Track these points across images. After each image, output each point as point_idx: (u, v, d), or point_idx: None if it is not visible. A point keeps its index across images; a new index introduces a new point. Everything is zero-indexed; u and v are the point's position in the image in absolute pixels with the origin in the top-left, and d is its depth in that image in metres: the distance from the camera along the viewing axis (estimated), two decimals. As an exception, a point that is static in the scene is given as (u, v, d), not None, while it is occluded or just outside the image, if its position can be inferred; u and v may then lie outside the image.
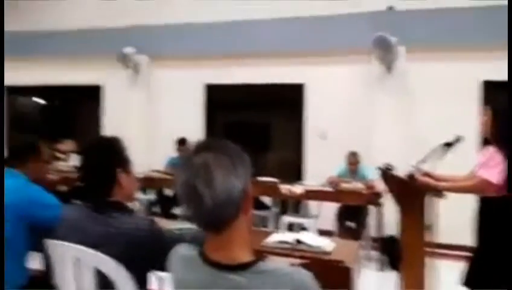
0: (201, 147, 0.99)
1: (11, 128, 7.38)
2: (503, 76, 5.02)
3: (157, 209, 5.47)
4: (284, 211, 4.78)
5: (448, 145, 3.13)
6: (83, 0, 6.87)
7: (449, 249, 3.74)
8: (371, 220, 4.42)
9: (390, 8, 5.52)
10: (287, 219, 4.50)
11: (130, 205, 1.66)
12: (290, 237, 2.28)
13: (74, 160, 5.21)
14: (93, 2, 6.80)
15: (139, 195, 5.35)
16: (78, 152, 5.66)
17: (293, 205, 4.79)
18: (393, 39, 5.08)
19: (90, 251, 1.48)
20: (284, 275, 0.94)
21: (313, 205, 4.77)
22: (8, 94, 7.54)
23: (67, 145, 5.89)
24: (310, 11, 5.73)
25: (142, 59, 6.52)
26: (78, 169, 1.61)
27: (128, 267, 1.42)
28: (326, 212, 4.63)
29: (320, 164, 5.34)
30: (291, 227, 4.48)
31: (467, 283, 2.69)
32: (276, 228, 4.47)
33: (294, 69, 5.98)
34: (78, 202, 1.64)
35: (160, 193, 5.39)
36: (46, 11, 7.05)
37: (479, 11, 5.12)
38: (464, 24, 5.23)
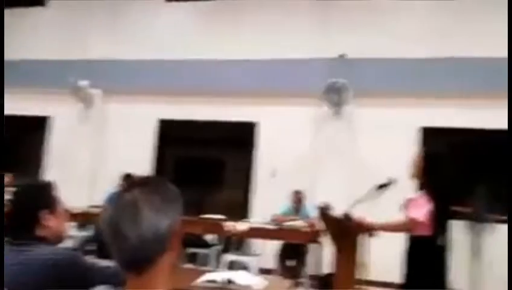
0: (132, 184, 0.99)
1: None
2: (440, 123, 5.50)
3: (94, 247, 5.23)
4: (227, 249, 4.75)
5: (382, 186, 3.31)
6: (40, 32, 6.82)
7: (380, 286, 3.86)
8: (311, 258, 4.48)
9: (342, 56, 5.88)
10: (229, 257, 4.46)
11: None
12: (220, 276, 2.29)
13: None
14: (51, 33, 6.76)
15: (74, 232, 5.13)
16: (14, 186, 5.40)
17: (236, 243, 4.78)
18: (343, 85, 5.39)
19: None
20: None
21: (257, 243, 4.78)
22: None
23: (5, 178, 5.60)
24: (265, 53, 6.01)
25: (96, 93, 6.48)
26: (10, 206, 1.73)
27: None
28: (270, 251, 4.65)
29: (268, 202, 5.41)
30: (232, 265, 4.44)
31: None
32: (217, 266, 4.42)
33: (248, 108, 6.16)
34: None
35: (99, 230, 5.16)
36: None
37: (423, 61, 5.59)
38: (409, 73, 5.66)
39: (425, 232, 2.85)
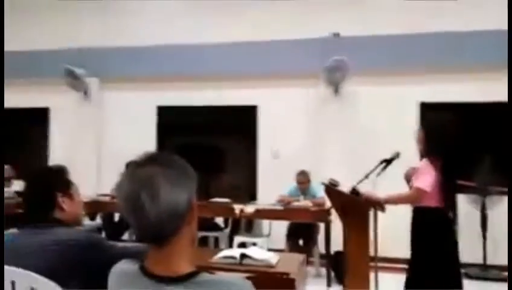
0: (146, 160, 0.98)
1: None
2: (437, 98, 5.53)
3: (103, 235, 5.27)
4: (236, 232, 4.79)
5: (388, 161, 3.31)
6: (33, 22, 6.73)
7: (390, 263, 3.89)
8: (321, 237, 4.51)
9: (336, 35, 5.83)
10: (239, 238, 4.51)
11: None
12: (235, 252, 2.32)
13: (17, 186, 4.96)
14: (45, 23, 6.68)
15: (86, 221, 5.17)
16: (20, 177, 5.39)
17: (245, 225, 4.82)
18: (342, 63, 5.37)
19: (22, 271, 1.45)
20: (223, 284, 0.95)
21: (265, 224, 4.81)
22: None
23: (5, 171, 5.57)
24: (261, 35, 5.95)
25: (93, 81, 6.43)
26: (20, 196, 1.70)
27: (67, 277, 1.43)
28: (278, 232, 4.69)
29: (273, 184, 5.41)
30: (242, 247, 4.49)
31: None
32: (229, 248, 4.46)
33: (248, 92, 6.13)
34: (15, 230, 1.67)
35: (107, 218, 5.19)
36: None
37: (415, 38, 5.56)
38: (404, 50, 5.63)
39: (433, 203, 2.84)
